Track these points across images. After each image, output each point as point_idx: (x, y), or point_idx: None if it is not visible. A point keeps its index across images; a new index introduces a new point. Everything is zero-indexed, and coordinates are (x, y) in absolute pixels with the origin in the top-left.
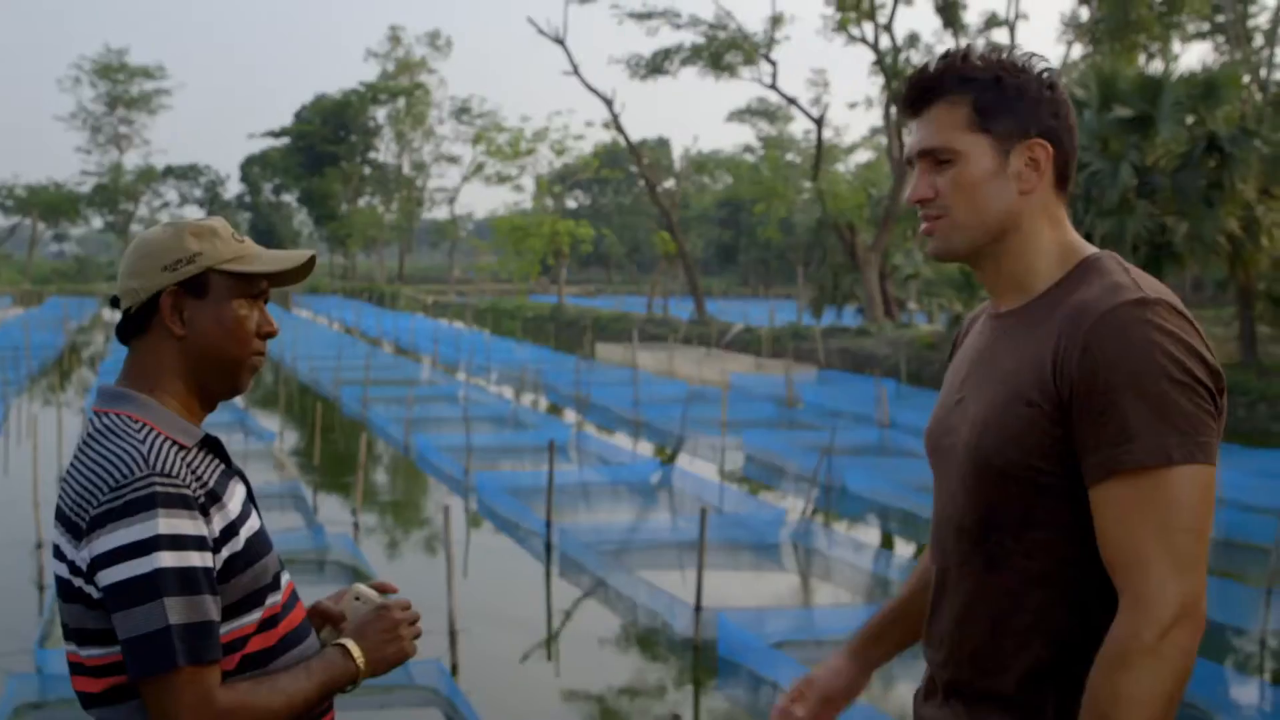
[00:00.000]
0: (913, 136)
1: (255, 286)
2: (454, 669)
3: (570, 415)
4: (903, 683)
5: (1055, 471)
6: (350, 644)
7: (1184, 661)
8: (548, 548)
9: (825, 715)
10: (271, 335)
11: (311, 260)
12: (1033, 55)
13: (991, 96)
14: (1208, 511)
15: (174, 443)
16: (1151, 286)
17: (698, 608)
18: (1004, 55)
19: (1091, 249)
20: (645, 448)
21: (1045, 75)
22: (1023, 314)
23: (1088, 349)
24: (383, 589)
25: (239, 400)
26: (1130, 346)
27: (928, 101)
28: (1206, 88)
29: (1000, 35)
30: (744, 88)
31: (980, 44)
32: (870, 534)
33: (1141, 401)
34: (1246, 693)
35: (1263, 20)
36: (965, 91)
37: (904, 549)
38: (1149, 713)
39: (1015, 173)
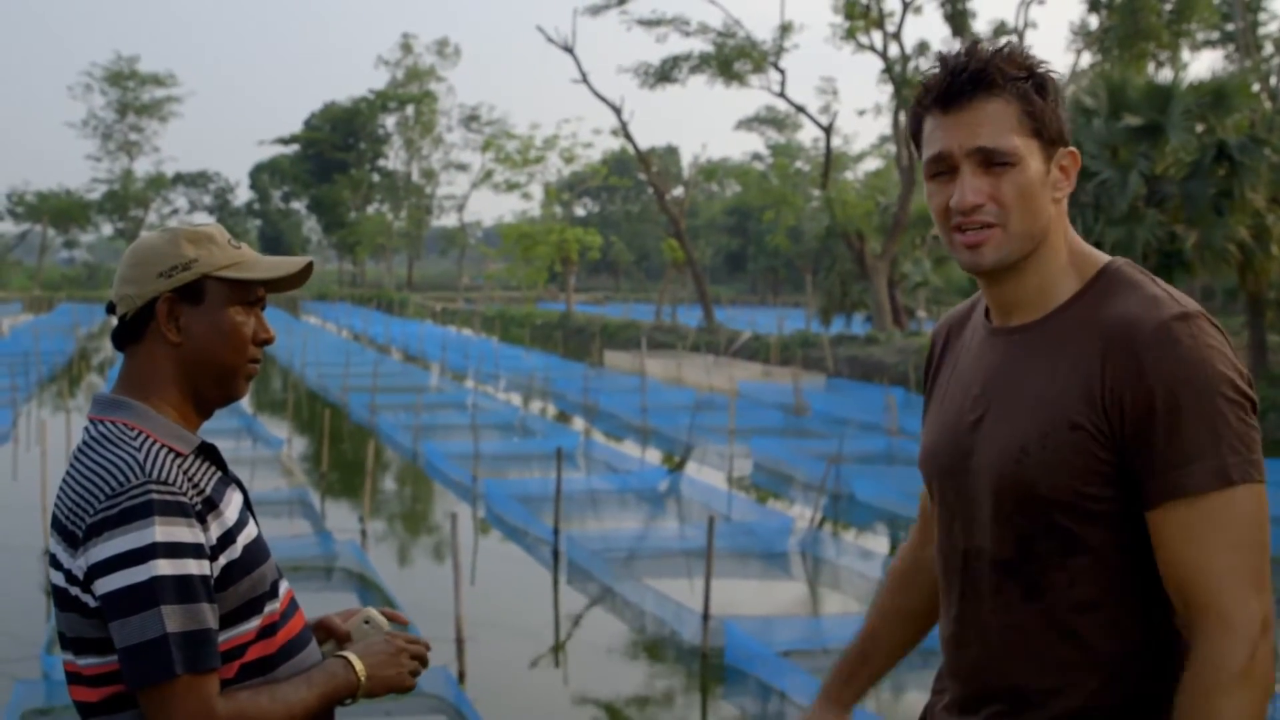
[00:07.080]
0: (949, 132)
1: (252, 293)
2: (461, 676)
3: (578, 423)
4: (912, 692)
5: (1105, 496)
6: (353, 657)
7: (1271, 678)
8: (555, 555)
9: None
10: (268, 342)
11: (308, 267)
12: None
13: (1040, 99)
14: (1267, 527)
15: (170, 450)
16: (1183, 298)
17: (705, 616)
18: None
19: (1104, 256)
20: (653, 455)
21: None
22: (1043, 329)
23: (1141, 369)
24: (394, 619)
25: (247, 406)
26: (1183, 365)
27: (971, 95)
28: (1216, 96)
29: None
30: (753, 96)
31: (987, 41)
32: (878, 543)
33: (1200, 422)
34: None
35: (1273, 28)
36: (1014, 89)
37: None
38: None
39: (1053, 181)
